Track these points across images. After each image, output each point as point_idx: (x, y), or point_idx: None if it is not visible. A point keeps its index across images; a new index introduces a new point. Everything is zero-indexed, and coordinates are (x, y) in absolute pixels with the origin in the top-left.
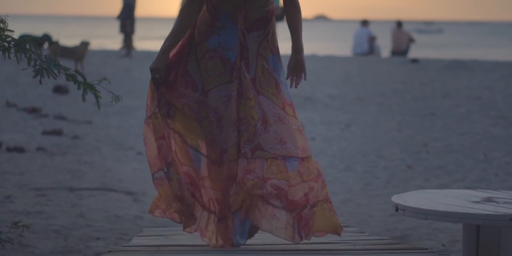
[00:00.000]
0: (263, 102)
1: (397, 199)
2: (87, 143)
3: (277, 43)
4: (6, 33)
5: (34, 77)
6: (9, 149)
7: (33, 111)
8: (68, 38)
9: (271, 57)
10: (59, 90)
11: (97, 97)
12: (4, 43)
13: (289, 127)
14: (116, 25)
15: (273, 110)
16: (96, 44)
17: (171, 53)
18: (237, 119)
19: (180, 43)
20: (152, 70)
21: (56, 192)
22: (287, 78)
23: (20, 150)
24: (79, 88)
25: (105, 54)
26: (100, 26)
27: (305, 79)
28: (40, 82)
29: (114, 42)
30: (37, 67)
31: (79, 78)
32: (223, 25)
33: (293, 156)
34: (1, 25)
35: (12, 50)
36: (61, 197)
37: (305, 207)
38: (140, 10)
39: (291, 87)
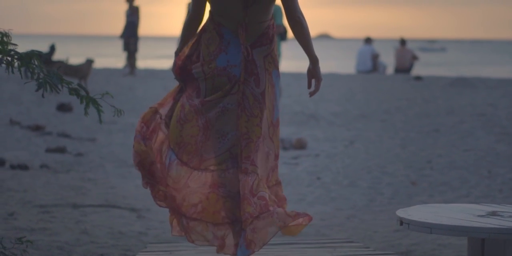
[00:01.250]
0: (264, 118)
1: (401, 213)
2: (90, 161)
3: (277, 58)
4: (9, 47)
5: (37, 90)
6: (12, 167)
7: (37, 129)
8: (71, 57)
9: (274, 72)
10: (63, 108)
11: (99, 111)
12: (8, 57)
13: (273, 150)
14: (119, 44)
15: (267, 129)
16: (99, 62)
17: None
18: (232, 133)
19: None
20: (172, 71)
21: (60, 209)
22: (309, 87)
23: (23, 167)
24: (81, 102)
25: (109, 72)
26: (103, 45)
27: (318, 90)
28: (43, 96)
29: (118, 60)
30: (40, 80)
31: (82, 93)
32: (228, 42)
33: (269, 185)
34: (5, 39)
35: (16, 65)
36: (64, 213)
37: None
38: (143, 29)
39: (311, 95)
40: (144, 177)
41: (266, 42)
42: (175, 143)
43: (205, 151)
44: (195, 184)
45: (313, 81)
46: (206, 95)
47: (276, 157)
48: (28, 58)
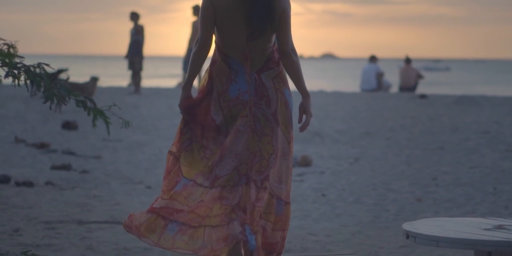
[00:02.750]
0: (279, 135)
1: (407, 226)
2: (96, 178)
3: (286, 78)
4: (16, 60)
5: (44, 102)
6: (18, 184)
7: (42, 146)
8: (77, 77)
9: (286, 91)
10: (68, 126)
11: (107, 123)
12: (14, 70)
13: (289, 166)
14: (124, 64)
15: (282, 144)
16: (104, 81)
17: (201, 89)
18: (243, 152)
19: (202, 89)
20: (178, 106)
21: (65, 225)
22: (299, 122)
23: (28, 184)
24: (89, 114)
25: (114, 90)
26: (107, 64)
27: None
28: (50, 108)
29: (123, 79)
30: (47, 93)
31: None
32: (236, 71)
33: (282, 199)
34: (11, 51)
35: (22, 78)
36: (70, 230)
37: (272, 254)
38: (147, 49)
39: (301, 131)
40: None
41: (272, 65)
42: (195, 174)
43: (219, 170)
44: (208, 198)
45: (304, 117)
46: (227, 127)
47: (289, 175)
48: (34, 69)
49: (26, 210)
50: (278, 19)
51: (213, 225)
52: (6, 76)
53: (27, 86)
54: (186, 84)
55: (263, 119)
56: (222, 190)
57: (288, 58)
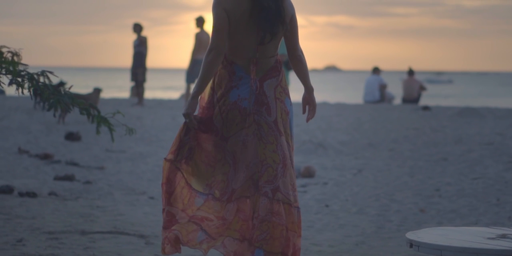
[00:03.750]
0: (283, 144)
1: (411, 235)
2: (99, 188)
3: (287, 87)
4: (20, 67)
5: (48, 110)
6: (21, 194)
7: (45, 157)
8: (79, 89)
9: (287, 100)
10: (71, 137)
11: (110, 130)
12: (18, 79)
13: (295, 174)
14: (126, 76)
15: (289, 153)
16: (107, 93)
17: (203, 105)
18: (253, 161)
19: (207, 99)
20: (185, 115)
21: (68, 236)
22: (304, 113)
23: (32, 195)
24: (92, 121)
25: (117, 102)
26: (110, 76)
27: (313, 116)
28: (54, 115)
29: (126, 91)
30: (51, 100)
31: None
32: (240, 77)
33: (298, 206)
34: (15, 58)
35: (26, 86)
36: (73, 240)
37: None
38: (150, 61)
39: (307, 121)
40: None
41: (275, 74)
42: (206, 185)
43: (234, 183)
44: (230, 216)
45: (307, 108)
46: (223, 131)
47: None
48: (38, 77)
49: (29, 221)
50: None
51: (233, 237)
52: (10, 83)
53: (31, 94)
54: (197, 92)
55: (266, 126)
56: (239, 203)
57: (298, 60)
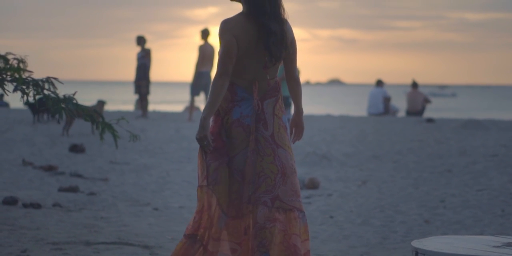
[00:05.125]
0: (282, 155)
1: (417, 243)
2: (103, 200)
3: (283, 106)
4: (24, 74)
5: (53, 116)
6: (25, 205)
7: (49, 169)
8: (83, 102)
9: (284, 117)
10: (75, 149)
11: (115, 136)
12: (23, 86)
13: (298, 181)
14: (130, 89)
15: (290, 162)
16: (111, 106)
17: (212, 127)
18: (251, 173)
19: (214, 118)
20: (199, 139)
21: (73, 246)
22: (291, 135)
23: (36, 206)
24: (97, 127)
25: (121, 114)
26: (114, 90)
27: (300, 138)
28: (58, 122)
29: (130, 104)
30: (55, 107)
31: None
32: (241, 97)
33: (302, 210)
34: (21, 65)
35: (31, 94)
36: (77, 251)
37: None
38: (154, 74)
39: (293, 143)
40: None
41: (274, 94)
42: (226, 204)
43: (243, 198)
44: (242, 229)
45: (294, 129)
46: (229, 149)
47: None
48: (43, 84)
49: (33, 231)
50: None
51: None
52: (15, 90)
53: (35, 101)
54: (208, 115)
55: (263, 140)
56: (247, 218)
57: (296, 81)
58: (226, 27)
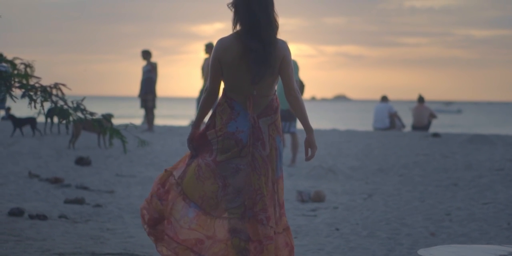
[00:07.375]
0: (270, 178)
1: (423, 252)
2: (109, 212)
3: (280, 126)
4: (32, 80)
5: (59, 120)
6: (31, 217)
7: (56, 181)
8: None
9: (277, 138)
10: (81, 161)
11: (123, 142)
12: (31, 93)
13: (275, 203)
14: (136, 104)
15: (271, 186)
16: (118, 120)
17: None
18: (246, 188)
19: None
20: (187, 140)
21: None
22: (306, 155)
23: (42, 217)
24: (105, 133)
25: (128, 128)
26: (121, 105)
27: (313, 156)
28: (66, 127)
29: (137, 119)
30: (62, 112)
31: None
32: (238, 112)
33: (287, 227)
34: (28, 70)
35: (39, 100)
36: None
37: None
38: (160, 89)
39: (307, 160)
40: (151, 232)
41: (270, 112)
42: (198, 197)
43: (227, 204)
44: (220, 234)
45: (309, 150)
46: (217, 155)
47: (281, 205)
48: (50, 90)
49: (39, 242)
50: (280, 65)
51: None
52: (23, 96)
53: (43, 108)
54: (196, 123)
55: (261, 159)
56: (230, 221)
57: (295, 98)
58: (216, 46)
